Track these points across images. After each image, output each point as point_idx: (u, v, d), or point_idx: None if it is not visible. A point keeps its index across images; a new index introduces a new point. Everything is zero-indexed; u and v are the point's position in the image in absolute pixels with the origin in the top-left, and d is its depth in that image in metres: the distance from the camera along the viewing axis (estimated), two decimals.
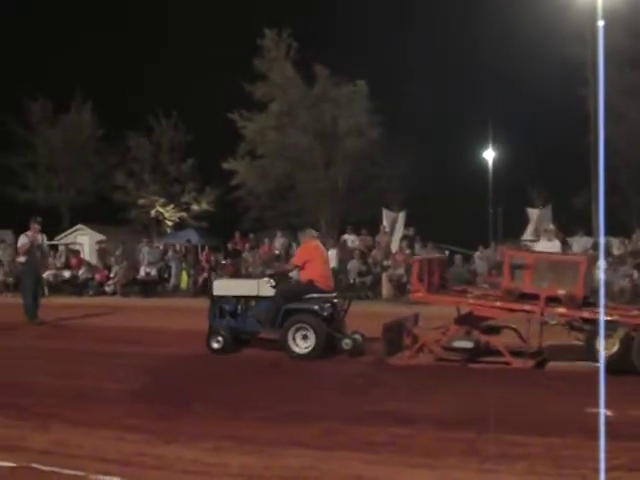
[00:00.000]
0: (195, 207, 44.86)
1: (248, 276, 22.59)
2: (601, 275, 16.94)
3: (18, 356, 12.39)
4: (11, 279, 27.55)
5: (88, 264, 29.19)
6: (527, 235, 26.13)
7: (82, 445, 6.59)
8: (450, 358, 10.93)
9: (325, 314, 11.79)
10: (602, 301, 5.61)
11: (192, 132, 44.49)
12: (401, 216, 27.65)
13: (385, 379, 9.85)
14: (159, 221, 45.08)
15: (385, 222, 27.85)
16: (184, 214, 45.08)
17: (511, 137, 41.90)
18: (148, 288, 26.27)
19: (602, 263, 17.76)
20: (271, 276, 12.82)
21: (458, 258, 23.65)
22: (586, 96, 31.42)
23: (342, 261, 24.71)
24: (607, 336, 9.75)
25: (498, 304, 10.76)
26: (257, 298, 12.55)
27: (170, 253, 28.36)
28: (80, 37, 51.12)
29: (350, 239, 26.94)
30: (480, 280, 22.16)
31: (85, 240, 38.05)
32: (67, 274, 28.09)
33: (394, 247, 25.84)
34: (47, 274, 23.46)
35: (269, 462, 6.06)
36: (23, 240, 17.31)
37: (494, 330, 11.17)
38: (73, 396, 8.79)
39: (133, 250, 29.17)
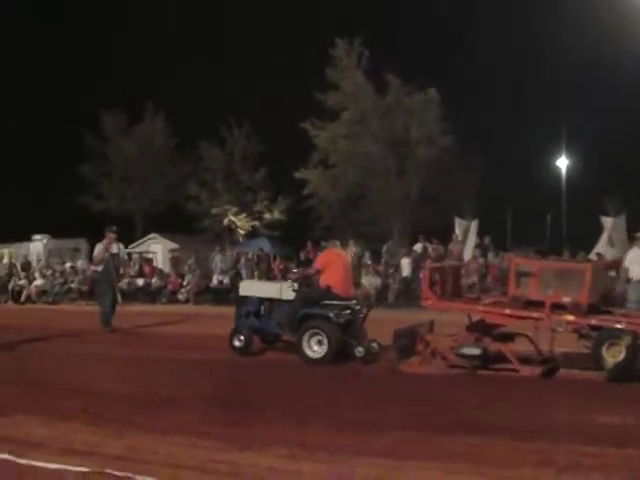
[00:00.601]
0: (267, 216, 44.73)
1: None
2: None
3: (92, 362, 12.56)
4: (86, 287, 27.98)
5: (161, 272, 29.54)
6: (601, 244, 25.58)
7: (156, 451, 6.64)
8: (461, 365, 10.96)
9: (340, 321, 11.85)
10: None
11: (264, 141, 44.37)
12: (473, 225, 27.46)
13: (448, 389, 9.81)
14: (231, 230, 45.16)
15: (457, 231, 27.67)
16: (256, 223, 45.06)
17: (584, 144, 41.30)
18: (220, 296, 26.39)
19: None
20: (294, 280, 12.87)
21: None
22: None
23: (415, 270, 24.62)
24: (613, 344, 9.86)
25: (507, 311, 10.78)
26: (280, 301, 12.72)
27: (242, 261, 28.51)
28: (152, 48, 51.71)
29: (423, 248, 26.78)
30: None
31: (158, 249, 38.32)
32: (140, 282, 28.44)
33: (467, 256, 25.64)
34: (121, 282, 23.64)
35: (342, 470, 6.03)
36: (98, 249, 17.50)
37: (507, 337, 11.11)
38: (146, 403, 8.87)
39: (206, 259, 29.37)
